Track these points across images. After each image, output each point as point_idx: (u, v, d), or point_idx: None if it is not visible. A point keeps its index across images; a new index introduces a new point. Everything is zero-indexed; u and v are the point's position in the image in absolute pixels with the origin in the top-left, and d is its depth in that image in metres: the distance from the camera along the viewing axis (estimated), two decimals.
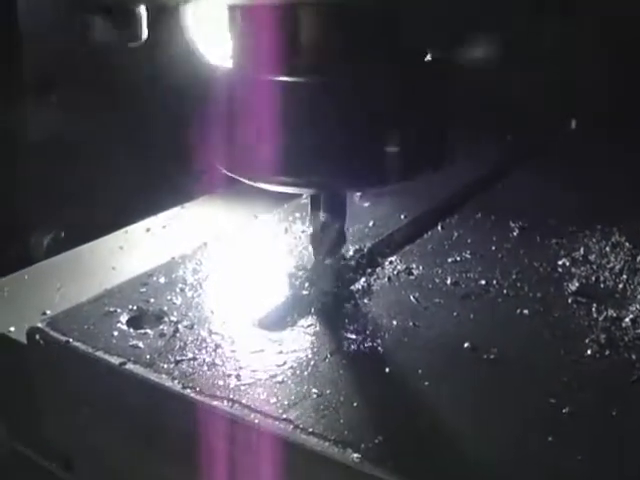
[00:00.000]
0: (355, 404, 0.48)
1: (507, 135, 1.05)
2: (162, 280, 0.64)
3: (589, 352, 0.54)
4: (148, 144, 0.99)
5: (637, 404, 0.48)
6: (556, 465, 0.43)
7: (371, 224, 0.75)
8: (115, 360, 0.53)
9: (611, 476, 0.43)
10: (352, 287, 0.61)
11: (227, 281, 0.65)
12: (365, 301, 0.61)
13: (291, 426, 0.46)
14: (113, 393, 0.54)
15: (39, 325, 0.57)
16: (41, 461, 0.63)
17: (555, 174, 0.92)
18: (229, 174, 0.57)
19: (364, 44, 0.52)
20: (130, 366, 0.52)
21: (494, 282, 0.64)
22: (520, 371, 0.52)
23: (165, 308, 0.59)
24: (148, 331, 0.56)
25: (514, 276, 0.65)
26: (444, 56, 0.56)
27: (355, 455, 0.43)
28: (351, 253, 0.63)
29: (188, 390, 0.49)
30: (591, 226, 0.75)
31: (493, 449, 0.44)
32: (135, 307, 0.59)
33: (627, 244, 0.71)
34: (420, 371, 0.51)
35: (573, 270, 0.66)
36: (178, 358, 0.53)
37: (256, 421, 0.46)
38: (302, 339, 0.55)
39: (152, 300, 0.60)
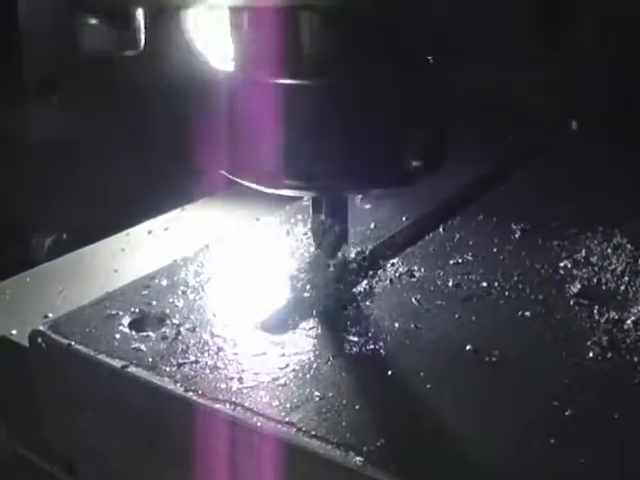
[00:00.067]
0: (357, 407, 0.48)
1: (507, 136, 1.04)
2: (164, 283, 0.64)
3: (591, 354, 0.54)
4: (149, 146, 0.99)
5: (639, 406, 0.48)
6: (558, 467, 0.43)
7: (372, 226, 0.75)
8: (117, 363, 0.53)
9: (613, 478, 0.43)
10: (354, 289, 0.61)
11: (229, 284, 0.65)
12: (367, 303, 0.61)
13: (293, 429, 0.46)
14: (115, 396, 0.54)
15: (41, 328, 0.57)
16: (43, 464, 0.63)
17: (556, 175, 0.92)
18: (230, 177, 0.57)
19: (365, 46, 0.52)
20: (132, 369, 0.52)
21: (496, 284, 0.64)
22: (522, 373, 0.52)
23: (167, 311, 0.59)
24: (150, 334, 0.56)
25: (516, 278, 0.65)
26: (444, 58, 0.56)
27: (357, 458, 0.43)
28: (353, 255, 0.63)
29: (190, 393, 0.49)
30: (593, 228, 0.75)
31: (495, 451, 0.44)
32: (137, 310, 0.59)
33: (629, 246, 0.71)
34: (422, 373, 0.51)
35: (575, 272, 0.66)
36: (180, 361, 0.53)
37: (258, 424, 0.46)
38: (304, 342, 0.55)
39: (154, 303, 0.60)
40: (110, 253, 0.78)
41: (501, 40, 1.04)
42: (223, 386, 0.50)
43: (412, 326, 0.58)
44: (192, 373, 0.51)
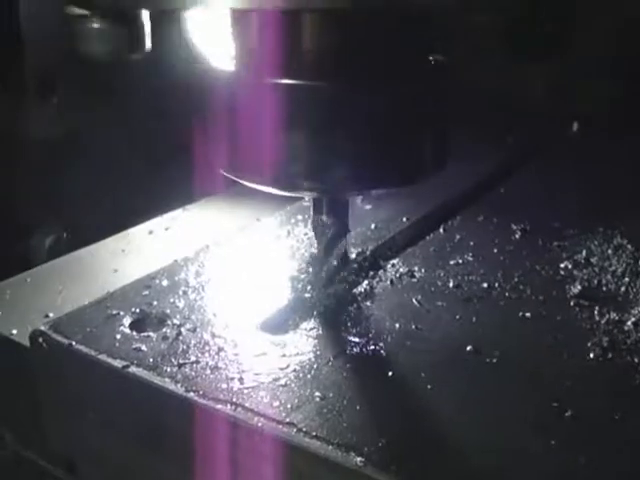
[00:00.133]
0: (358, 407, 0.48)
1: (508, 137, 1.04)
2: (165, 283, 0.64)
3: (592, 355, 0.54)
4: (150, 146, 0.99)
5: (639, 407, 0.48)
6: (559, 469, 0.43)
7: (373, 227, 0.75)
8: (118, 363, 0.53)
9: (614, 479, 0.43)
10: (354, 290, 0.61)
11: (230, 284, 0.65)
12: (368, 304, 0.61)
13: (294, 429, 0.46)
14: (116, 396, 0.54)
15: (42, 328, 0.57)
16: (44, 464, 0.63)
17: (556, 176, 0.92)
18: (231, 177, 0.57)
19: (366, 48, 0.52)
20: (133, 369, 0.52)
21: (496, 285, 0.64)
22: (522, 374, 0.52)
23: (168, 311, 0.59)
24: (151, 334, 0.56)
25: (516, 279, 0.65)
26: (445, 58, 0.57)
27: (358, 459, 0.43)
28: (353, 256, 0.63)
29: (191, 393, 0.49)
30: (593, 229, 0.75)
31: (495, 452, 0.44)
32: (138, 310, 0.59)
33: (629, 247, 0.71)
34: (423, 374, 0.51)
35: (575, 273, 0.66)
36: (181, 361, 0.53)
37: (259, 424, 0.46)
38: (305, 342, 0.55)
39: (155, 303, 0.60)
40: (111, 253, 0.78)
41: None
42: (224, 386, 0.50)
43: (413, 327, 0.58)
44: (193, 373, 0.51)
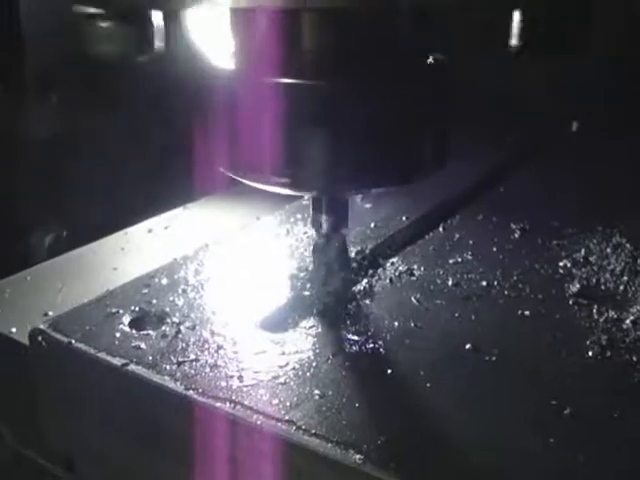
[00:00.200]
0: (357, 405, 0.48)
1: (507, 137, 1.05)
2: (164, 281, 0.64)
3: (590, 353, 0.54)
4: (150, 145, 0.99)
5: (638, 405, 0.48)
6: (557, 466, 0.43)
7: (372, 225, 0.75)
8: (117, 361, 0.53)
9: (612, 477, 0.43)
10: (354, 288, 0.62)
11: (229, 282, 0.65)
12: (367, 302, 0.61)
13: (293, 427, 0.46)
14: (115, 394, 0.54)
15: (41, 326, 0.57)
16: (43, 462, 0.63)
17: (556, 176, 0.92)
18: (231, 175, 0.57)
19: (364, 47, 0.52)
20: (132, 367, 0.52)
21: (495, 283, 0.64)
22: (521, 372, 0.52)
23: (167, 309, 0.59)
24: (150, 332, 0.56)
25: (515, 277, 0.65)
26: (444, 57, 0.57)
27: (357, 456, 0.43)
28: (353, 255, 0.63)
29: (190, 391, 0.49)
30: (592, 228, 0.75)
31: (494, 450, 0.44)
32: (137, 308, 0.59)
33: (628, 245, 0.71)
34: (422, 372, 0.51)
35: (574, 271, 0.66)
36: (180, 359, 0.53)
37: (258, 422, 0.46)
38: (304, 340, 0.55)
39: (154, 301, 0.60)
40: (110, 251, 0.78)
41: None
42: (223, 384, 0.50)
43: (412, 325, 0.58)
44: (192, 371, 0.51)
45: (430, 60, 0.55)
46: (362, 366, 0.53)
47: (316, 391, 0.49)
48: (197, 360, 0.53)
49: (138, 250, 0.78)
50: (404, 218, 0.77)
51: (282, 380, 0.50)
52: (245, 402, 0.48)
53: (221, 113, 0.55)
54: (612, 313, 0.59)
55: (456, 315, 0.59)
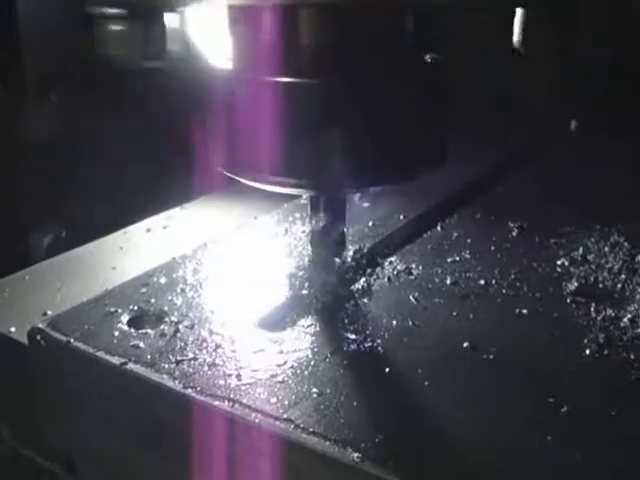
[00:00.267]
0: (355, 404, 0.48)
1: (506, 136, 1.05)
2: (163, 280, 0.64)
3: (588, 352, 0.54)
4: (148, 144, 0.99)
5: (635, 403, 0.48)
6: (555, 464, 0.43)
7: (371, 224, 0.75)
8: (116, 360, 0.53)
9: (609, 475, 0.43)
10: (352, 287, 0.62)
11: (227, 281, 0.65)
12: (365, 301, 0.61)
13: (292, 426, 0.46)
14: (114, 393, 0.54)
15: (40, 325, 0.57)
16: (43, 462, 0.63)
17: (554, 175, 0.93)
18: (229, 175, 0.57)
19: (362, 45, 0.52)
20: (131, 366, 0.52)
21: (493, 282, 0.64)
22: (519, 370, 0.52)
23: (166, 308, 0.59)
24: (149, 331, 0.56)
25: (513, 276, 0.65)
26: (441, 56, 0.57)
27: (355, 454, 0.43)
28: (351, 253, 0.63)
29: (189, 390, 0.50)
30: (590, 226, 0.75)
31: (492, 448, 0.45)
32: (136, 307, 0.59)
33: (626, 244, 0.71)
34: (420, 370, 0.52)
35: (572, 270, 0.66)
36: (179, 358, 0.53)
37: (257, 421, 0.47)
38: (302, 339, 0.55)
39: (153, 300, 0.61)
40: (109, 251, 0.78)
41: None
42: (221, 383, 0.50)
43: (410, 323, 0.58)
44: (190, 370, 0.51)
45: (428, 58, 0.55)
46: (360, 364, 0.53)
47: (314, 389, 0.49)
48: (195, 359, 0.53)
49: (137, 249, 0.78)
50: (402, 217, 0.77)
51: (280, 379, 0.50)
52: (243, 400, 0.48)
53: (218, 112, 0.55)
54: (610, 311, 0.59)
55: (454, 314, 0.59)
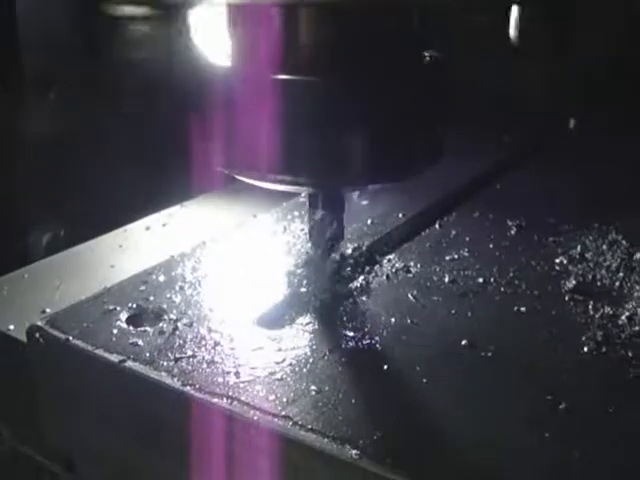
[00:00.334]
0: (354, 401, 0.48)
1: (505, 134, 1.05)
2: (161, 278, 0.64)
3: (586, 349, 0.54)
4: (147, 142, 0.99)
5: (633, 401, 0.48)
6: (553, 462, 0.43)
7: (369, 222, 0.76)
8: (115, 358, 0.53)
9: (607, 473, 0.43)
10: (350, 285, 0.62)
11: (226, 279, 0.65)
12: (363, 299, 0.61)
13: (290, 423, 0.46)
14: (113, 391, 0.54)
15: (39, 323, 0.57)
16: (41, 460, 0.63)
17: (552, 173, 0.93)
18: (228, 173, 0.57)
19: (359, 43, 0.52)
20: (130, 364, 0.52)
21: (492, 280, 0.64)
22: (517, 368, 0.52)
23: (164, 306, 0.59)
24: (147, 329, 0.56)
25: (511, 274, 0.65)
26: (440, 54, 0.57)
27: (354, 451, 0.44)
28: (349, 251, 0.63)
29: (187, 387, 0.50)
30: (588, 224, 0.75)
31: (490, 445, 0.45)
32: (135, 305, 0.59)
33: (624, 242, 0.71)
34: (418, 368, 0.52)
35: (570, 268, 0.66)
36: (177, 356, 0.53)
37: (255, 418, 0.47)
38: (301, 337, 0.56)
39: (151, 298, 0.61)
40: (108, 249, 0.78)
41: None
42: (220, 380, 0.50)
43: (408, 321, 0.58)
44: (189, 367, 0.51)
45: (426, 56, 0.55)
46: (358, 362, 0.53)
47: (312, 387, 0.49)
48: (194, 356, 0.53)
49: (136, 247, 0.78)
50: (401, 215, 0.77)
51: (279, 376, 0.51)
52: (242, 398, 0.48)
53: (216, 110, 0.55)
54: (608, 309, 0.59)
55: (452, 311, 0.59)
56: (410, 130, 0.54)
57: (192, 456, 0.49)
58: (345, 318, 0.58)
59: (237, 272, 0.66)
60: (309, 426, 0.46)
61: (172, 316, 0.58)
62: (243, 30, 0.53)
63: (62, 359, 0.56)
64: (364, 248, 0.65)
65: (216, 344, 0.54)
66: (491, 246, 0.71)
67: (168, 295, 0.61)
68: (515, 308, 0.60)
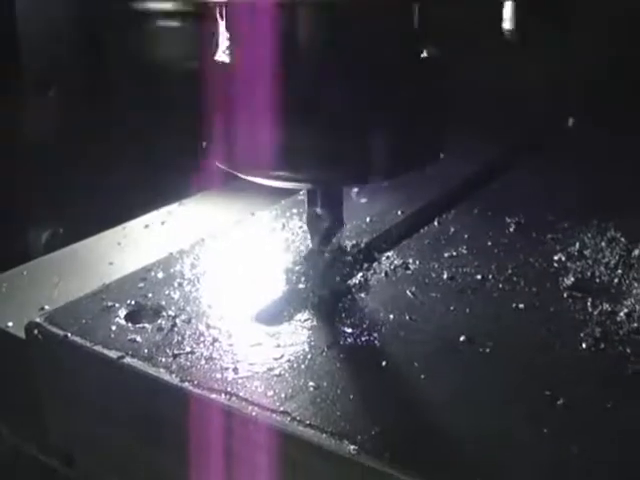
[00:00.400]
0: (352, 397, 0.48)
1: (504, 133, 1.05)
2: (160, 275, 0.64)
3: (584, 346, 0.54)
4: (146, 140, 0.99)
5: (631, 397, 0.48)
6: (551, 458, 0.43)
7: (368, 220, 0.76)
8: (113, 354, 0.53)
9: (605, 469, 0.43)
10: (349, 282, 0.62)
11: (224, 276, 0.65)
12: (362, 295, 0.61)
13: (288, 418, 0.46)
14: (111, 387, 0.54)
15: (37, 320, 0.57)
16: (42, 457, 0.63)
17: (551, 171, 0.93)
18: (226, 169, 0.57)
19: (357, 40, 0.52)
20: (128, 360, 0.52)
21: (490, 277, 0.64)
22: (515, 364, 0.52)
23: (163, 303, 0.59)
24: (146, 325, 0.56)
25: (510, 271, 0.65)
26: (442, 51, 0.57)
27: (352, 447, 0.44)
28: (348, 248, 0.63)
29: (186, 383, 0.50)
30: (587, 222, 0.75)
31: (488, 440, 0.45)
32: (133, 302, 0.59)
33: (622, 239, 0.71)
34: (416, 364, 0.52)
35: (569, 265, 0.66)
36: (176, 352, 0.53)
37: (253, 413, 0.47)
38: (299, 333, 0.56)
39: (150, 295, 0.61)
40: (107, 246, 0.78)
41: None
42: (218, 376, 0.50)
43: (407, 318, 0.58)
44: (188, 364, 0.52)
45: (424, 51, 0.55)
46: (357, 358, 0.53)
47: (311, 383, 0.49)
48: (193, 353, 0.53)
49: (135, 245, 0.78)
50: (399, 212, 0.77)
51: (277, 372, 0.51)
52: (240, 394, 0.48)
53: (213, 107, 0.55)
54: (606, 306, 0.59)
55: (451, 308, 0.59)
56: (409, 127, 0.54)
57: (190, 451, 0.49)
58: (344, 314, 0.58)
59: (235, 269, 0.66)
60: (307, 421, 0.46)
61: (171, 313, 0.58)
62: (238, 24, 0.53)
63: (61, 355, 0.56)
64: (363, 245, 0.65)
65: (214, 340, 0.54)
66: (490, 243, 0.71)
67: (167, 292, 0.61)
68: (513, 305, 0.60)
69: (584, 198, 0.83)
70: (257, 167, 0.55)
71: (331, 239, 0.60)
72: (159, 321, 0.57)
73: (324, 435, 0.45)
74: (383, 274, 0.65)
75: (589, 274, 0.64)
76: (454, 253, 0.69)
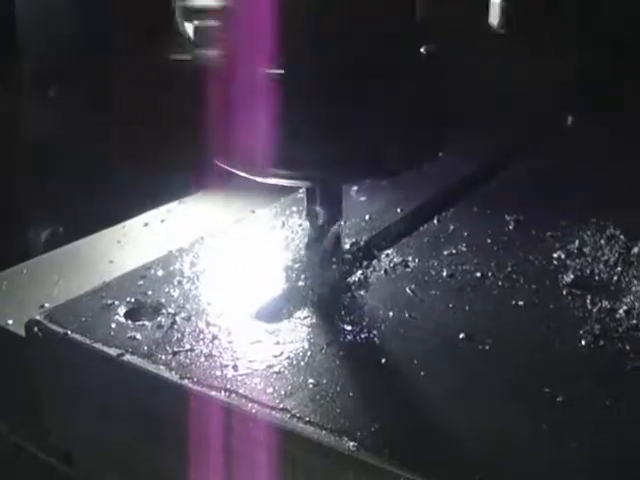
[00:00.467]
0: (351, 394, 0.48)
1: (504, 132, 1.05)
2: (160, 273, 0.64)
3: (583, 343, 0.54)
4: (146, 139, 0.99)
5: (630, 394, 0.49)
6: (550, 454, 0.43)
7: (367, 217, 0.76)
8: (113, 352, 0.53)
9: (604, 465, 0.43)
10: (349, 279, 0.62)
11: (224, 274, 0.65)
12: (361, 293, 0.61)
13: (288, 415, 0.46)
14: (111, 384, 0.54)
15: (37, 317, 0.57)
16: (41, 455, 0.63)
17: (550, 168, 0.93)
18: (225, 167, 0.57)
19: (360, 37, 0.52)
20: (128, 357, 0.52)
21: (489, 274, 0.64)
22: (515, 361, 0.52)
23: (163, 300, 0.60)
24: (146, 323, 0.56)
25: (509, 268, 0.65)
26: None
27: (351, 443, 0.44)
28: (348, 246, 0.63)
29: (185, 381, 0.50)
30: (586, 219, 0.75)
31: (487, 437, 0.45)
32: (133, 299, 0.59)
33: (622, 237, 0.71)
34: (415, 361, 0.52)
35: (568, 262, 0.66)
36: (176, 349, 0.53)
37: (253, 411, 0.47)
38: (299, 330, 0.56)
39: (150, 292, 0.61)
40: (106, 245, 0.78)
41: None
42: (218, 373, 0.50)
43: (406, 315, 0.58)
44: (187, 361, 0.52)
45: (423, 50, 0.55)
46: (356, 355, 0.53)
47: (310, 380, 0.49)
48: (192, 350, 0.53)
49: (134, 243, 0.78)
50: (399, 210, 0.77)
51: (277, 369, 0.51)
52: (240, 391, 0.48)
53: (211, 105, 0.55)
54: (605, 303, 0.59)
55: (450, 305, 0.59)
56: (408, 125, 0.55)
57: (190, 448, 0.49)
58: (343, 312, 0.58)
59: (235, 267, 0.66)
60: (307, 418, 0.46)
61: (170, 310, 0.58)
62: (235, 22, 0.53)
63: (61, 353, 0.56)
64: (362, 243, 0.65)
65: (214, 338, 0.54)
66: (489, 241, 0.71)
67: (166, 289, 0.61)
68: (513, 302, 0.60)
69: (583, 196, 0.83)
70: (256, 164, 0.55)
71: (329, 237, 0.60)
72: (159, 319, 0.57)
73: (324, 432, 0.45)
74: (382, 272, 0.65)
75: (588, 272, 0.65)
76: (453, 251, 0.69)
